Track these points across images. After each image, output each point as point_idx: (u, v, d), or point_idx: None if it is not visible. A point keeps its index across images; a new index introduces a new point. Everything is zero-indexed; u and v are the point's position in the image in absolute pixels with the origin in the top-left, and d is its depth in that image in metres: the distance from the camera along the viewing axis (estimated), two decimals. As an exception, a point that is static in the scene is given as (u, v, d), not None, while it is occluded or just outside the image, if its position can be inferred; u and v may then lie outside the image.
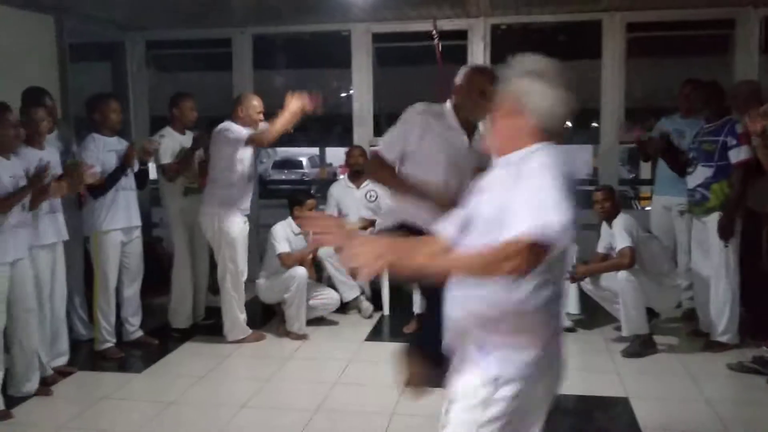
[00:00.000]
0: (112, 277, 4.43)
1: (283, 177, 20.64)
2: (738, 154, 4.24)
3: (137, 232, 4.59)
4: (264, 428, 3.45)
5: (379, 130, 6.03)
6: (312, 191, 24.66)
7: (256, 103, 4.52)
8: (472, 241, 1.82)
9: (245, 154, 4.51)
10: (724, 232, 4.28)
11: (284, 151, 21.46)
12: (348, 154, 5.62)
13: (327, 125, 13.71)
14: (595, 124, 10.66)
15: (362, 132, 6.22)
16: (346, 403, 3.69)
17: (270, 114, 4.46)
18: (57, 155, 4.11)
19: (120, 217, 4.39)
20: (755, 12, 5.52)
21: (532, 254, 1.63)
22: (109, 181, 4.31)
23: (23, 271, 3.62)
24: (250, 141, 4.41)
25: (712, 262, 4.39)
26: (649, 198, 6.05)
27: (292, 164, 21.22)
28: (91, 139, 4.35)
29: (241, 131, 4.40)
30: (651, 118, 5.42)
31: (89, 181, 4.11)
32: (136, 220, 4.54)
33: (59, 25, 4.92)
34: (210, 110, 7.36)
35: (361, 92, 6.24)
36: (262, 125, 4.51)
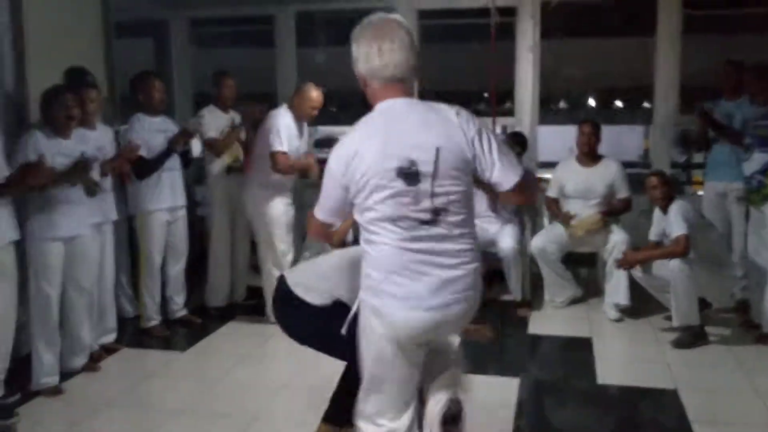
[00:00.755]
0: (157, 257, 4.47)
1: (326, 156, 20.68)
2: None
3: (182, 212, 4.61)
4: (305, 408, 3.44)
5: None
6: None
7: (314, 96, 4.45)
8: None
9: (292, 139, 4.47)
10: None
11: (326, 130, 21.42)
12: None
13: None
14: (646, 104, 10.39)
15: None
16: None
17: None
18: (110, 134, 4.17)
19: (165, 197, 4.42)
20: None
21: None
22: (156, 163, 4.33)
23: (78, 249, 3.67)
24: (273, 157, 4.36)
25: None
26: (702, 183, 5.85)
27: (335, 143, 21.23)
28: (136, 119, 4.37)
29: (279, 131, 4.37)
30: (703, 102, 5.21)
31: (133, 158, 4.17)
32: (181, 200, 4.57)
33: (105, 3, 4.92)
34: (253, 87, 7.40)
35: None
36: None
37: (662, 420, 3.38)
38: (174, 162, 4.47)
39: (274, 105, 4.82)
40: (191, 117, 5.26)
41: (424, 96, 2.46)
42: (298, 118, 4.51)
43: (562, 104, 12.06)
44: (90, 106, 3.92)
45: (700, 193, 5.41)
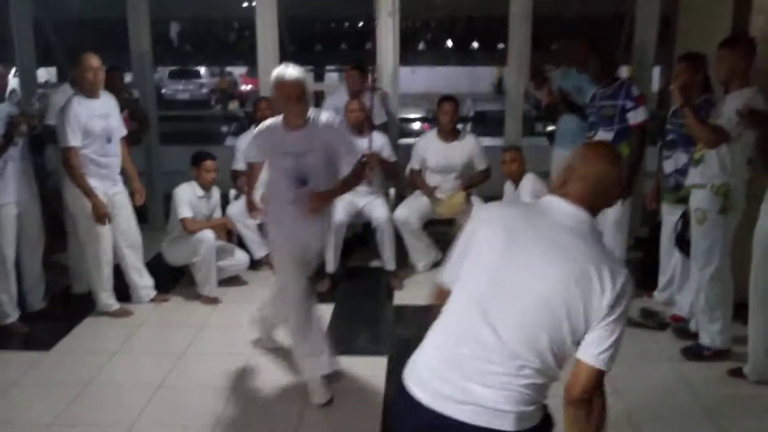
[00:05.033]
0: (8, 252, 4.23)
1: (180, 87, 19.75)
2: (636, 116, 4.44)
3: (34, 201, 4.36)
4: (181, 411, 3.49)
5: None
6: (212, 102, 24.07)
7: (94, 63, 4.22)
8: None
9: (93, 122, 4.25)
10: (623, 191, 4.52)
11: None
12: (256, 107, 5.45)
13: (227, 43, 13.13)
14: (501, 45, 10.78)
15: (267, 68, 5.94)
16: (263, 376, 3.77)
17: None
18: None
19: (12, 190, 4.15)
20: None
21: None
22: None
23: None
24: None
25: (608, 218, 4.67)
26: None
27: (190, 74, 20.14)
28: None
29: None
30: (551, 70, 5.52)
31: None
32: (31, 190, 4.32)
33: None
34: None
35: (264, 25, 5.93)
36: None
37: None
38: (19, 151, 4.18)
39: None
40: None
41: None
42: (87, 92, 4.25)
43: (421, 46, 12.24)
44: None
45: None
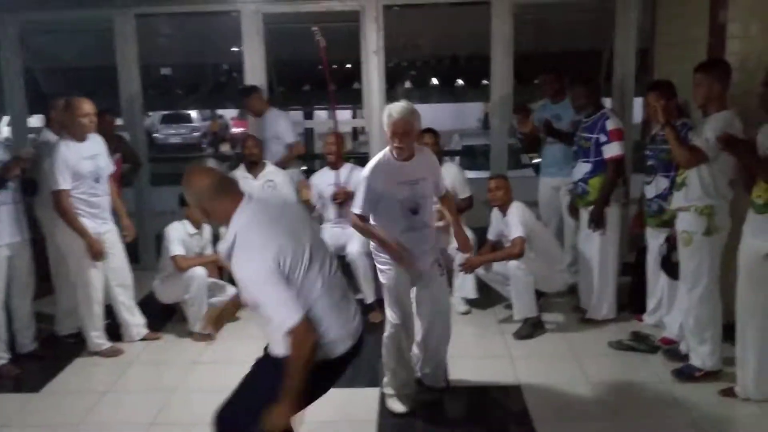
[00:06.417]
0: (-1, 294, 4.24)
1: (172, 131, 19.94)
2: (609, 150, 4.54)
3: (26, 245, 4.38)
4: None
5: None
6: (204, 145, 24.04)
7: (86, 107, 4.30)
8: None
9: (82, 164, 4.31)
10: (596, 223, 4.60)
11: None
12: (243, 145, 5.53)
13: (220, 87, 13.32)
14: (485, 81, 10.97)
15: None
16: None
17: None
18: None
19: (5, 233, 4.18)
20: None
21: None
22: None
23: None
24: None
25: (592, 248, 4.73)
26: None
27: (181, 118, 20.39)
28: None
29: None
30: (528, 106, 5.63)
31: None
32: (23, 234, 4.34)
33: None
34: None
35: (253, 74, 6.10)
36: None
37: (506, 418, 3.72)
38: (11, 195, 4.23)
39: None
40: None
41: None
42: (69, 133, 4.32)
43: (408, 84, 12.44)
44: None
45: (538, 160, 5.88)
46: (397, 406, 3.70)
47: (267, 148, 5.64)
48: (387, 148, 3.53)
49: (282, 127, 5.76)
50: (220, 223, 2.58)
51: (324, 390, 2.61)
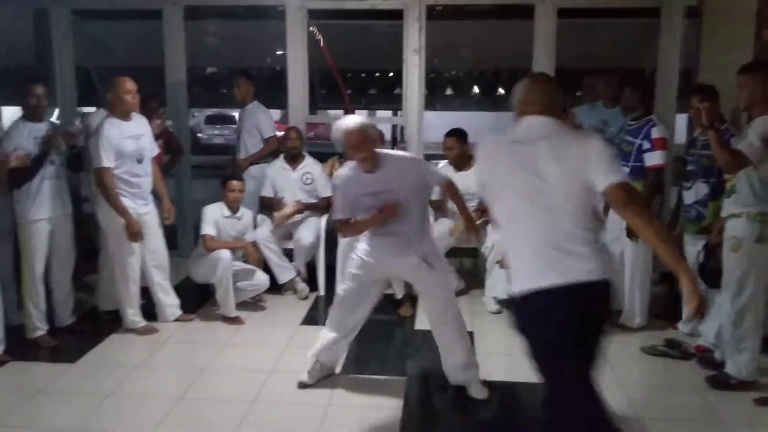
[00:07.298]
0: (38, 267, 4.35)
1: (216, 132, 20.25)
2: (651, 159, 4.45)
3: (67, 220, 4.50)
4: (201, 421, 3.52)
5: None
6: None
7: (129, 87, 4.41)
8: None
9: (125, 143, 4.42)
10: (630, 231, 4.51)
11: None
12: (284, 137, 5.62)
13: (260, 87, 13.55)
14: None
15: (297, 110, 6.21)
16: (281, 394, 3.78)
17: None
18: None
19: (46, 207, 4.30)
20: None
21: None
22: (29, 171, 4.17)
23: None
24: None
25: (626, 257, 4.66)
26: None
27: (225, 119, 20.65)
28: (15, 126, 4.23)
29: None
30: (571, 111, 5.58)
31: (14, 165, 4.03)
32: (65, 209, 4.46)
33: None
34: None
35: (295, 71, 6.19)
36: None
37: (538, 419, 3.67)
38: (55, 170, 4.35)
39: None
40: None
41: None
42: (121, 115, 4.43)
43: (449, 91, 12.47)
44: None
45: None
46: (303, 376, 3.85)
47: (242, 140, 5.78)
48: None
49: (261, 119, 5.84)
50: None
51: None
